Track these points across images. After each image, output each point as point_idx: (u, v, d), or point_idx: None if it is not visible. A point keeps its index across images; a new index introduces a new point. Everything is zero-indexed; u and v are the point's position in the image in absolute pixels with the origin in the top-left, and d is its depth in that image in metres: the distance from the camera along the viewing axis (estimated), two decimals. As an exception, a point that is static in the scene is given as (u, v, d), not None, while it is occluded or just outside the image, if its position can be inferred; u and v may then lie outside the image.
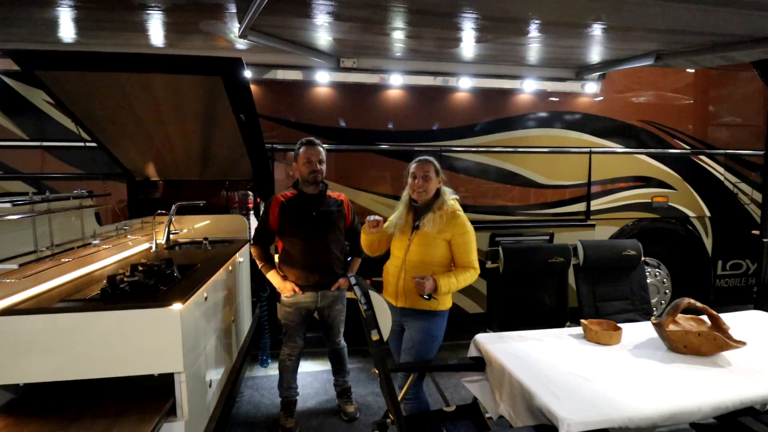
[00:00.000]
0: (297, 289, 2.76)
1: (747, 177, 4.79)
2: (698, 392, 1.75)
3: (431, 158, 2.50)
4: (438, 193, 2.48)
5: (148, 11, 2.71)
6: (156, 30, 3.11)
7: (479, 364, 2.19)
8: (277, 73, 3.87)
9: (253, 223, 3.78)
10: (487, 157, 4.25)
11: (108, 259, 2.71)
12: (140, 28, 3.05)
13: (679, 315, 2.23)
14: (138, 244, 3.17)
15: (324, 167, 2.77)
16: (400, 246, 2.50)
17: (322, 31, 3.06)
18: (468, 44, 3.40)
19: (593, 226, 4.47)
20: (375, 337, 1.75)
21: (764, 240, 3.87)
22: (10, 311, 1.80)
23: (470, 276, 2.42)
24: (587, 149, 4.41)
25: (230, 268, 2.99)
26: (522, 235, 4.30)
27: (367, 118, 4.08)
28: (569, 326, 2.73)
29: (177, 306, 1.88)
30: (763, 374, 1.90)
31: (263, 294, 3.69)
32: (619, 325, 2.32)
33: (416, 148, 4.08)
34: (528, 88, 4.25)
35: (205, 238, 3.57)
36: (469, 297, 4.22)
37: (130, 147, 3.49)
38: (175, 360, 1.89)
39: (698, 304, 2.17)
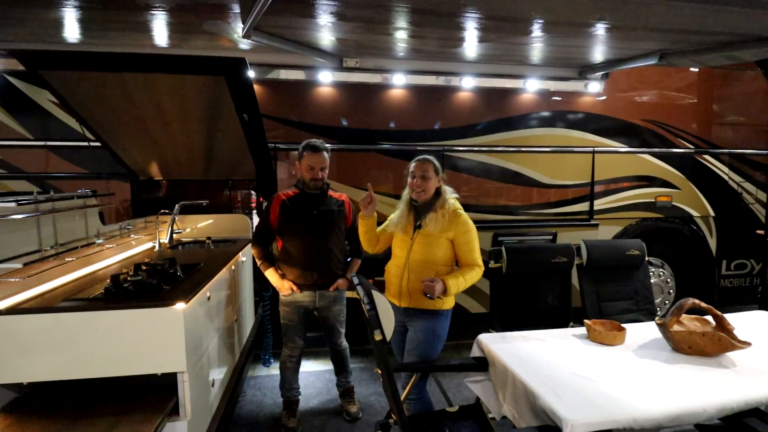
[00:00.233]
0: (295, 287, 2.75)
1: (751, 176, 4.77)
2: (703, 393, 1.74)
3: (431, 157, 2.49)
4: (439, 193, 2.47)
5: (152, 11, 2.72)
6: (160, 30, 3.12)
7: (482, 365, 2.18)
8: (280, 72, 3.88)
9: (256, 222, 3.78)
10: (490, 156, 4.25)
11: (111, 258, 2.72)
12: (144, 28, 3.06)
13: (684, 315, 2.22)
14: (141, 243, 3.18)
15: (326, 172, 2.77)
16: (403, 246, 2.49)
17: (326, 30, 3.06)
18: (471, 44, 3.40)
19: (597, 225, 4.45)
20: (378, 337, 1.74)
21: (769, 240, 3.84)
22: (15, 310, 1.81)
23: (476, 274, 2.42)
24: (590, 149, 4.39)
25: (233, 267, 3.00)
26: (525, 234, 4.29)
27: (370, 118, 4.08)
28: (572, 326, 2.72)
29: (180, 305, 1.89)
30: (769, 375, 1.89)
31: (266, 293, 3.69)
32: (622, 325, 2.31)
33: (419, 148, 4.07)
34: (531, 87, 4.24)
35: (208, 238, 3.57)
36: (471, 297, 4.22)
37: (133, 147, 3.50)
38: (178, 359, 1.89)
39: (703, 304, 2.16)
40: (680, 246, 4.68)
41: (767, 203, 3.97)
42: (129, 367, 1.88)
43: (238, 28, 2.98)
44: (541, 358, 2.05)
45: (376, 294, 1.81)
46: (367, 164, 4.09)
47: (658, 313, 3.16)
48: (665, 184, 4.57)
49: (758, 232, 4.38)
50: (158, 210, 3.35)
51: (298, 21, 2.84)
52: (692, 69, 4.56)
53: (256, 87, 3.36)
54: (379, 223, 2.63)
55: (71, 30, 3.11)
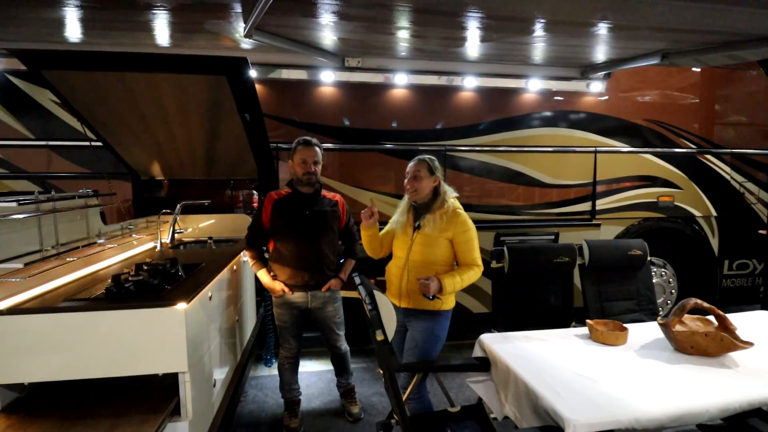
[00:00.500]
0: (286, 289, 2.72)
1: (753, 176, 4.75)
2: (705, 393, 1.73)
3: (427, 157, 2.48)
4: (437, 192, 2.46)
5: (154, 11, 2.72)
6: (161, 29, 3.12)
7: (484, 365, 2.18)
8: (281, 72, 3.87)
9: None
10: (492, 156, 4.24)
11: (113, 258, 2.72)
12: (146, 27, 3.06)
13: (686, 315, 2.21)
14: (143, 243, 3.18)
15: (319, 168, 2.73)
16: (403, 246, 2.49)
17: (327, 30, 3.06)
18: (473, 43, 3.39)
19: (599, 225, 4.44)
20: (380, 337, 1.74)
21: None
22: (16, 310, 1.80)
23: (474, 274, 2.41)
24: (592, 149, 4.39)
25: (234, 267, 2.99)
26: (527, 234, 4.29)
27: (372, 118, 4.07)
28: (574, 326, 2.72)
29: (181, 305, 1.88)
30: (772, 376, 1.88)
31: (267, 293, 3.69)
32: (625, 325, 2.30)
33: (421, 148, 4.07)
34: (533, 87, 4.23)
35: (210, 238, 3.57)
36: (473, 297, 4.21)
37: (135, 146, 3.50)
38: (179, 360, 1.89)
39: (705, 304, 2.15)
40: (682, 246, 4.67)
41: (770, 203, 3.97)
42: (130, 368, 1.87)
43: (240, 27, 2.98)
44: (543, 358, 2.05)
45: (377, 294, 1.81)
46: (369, 164, 4.09)
47: (660, 313, 3.15)
48: (667, 183, 4.56)
49: (760, 231, 4.37)
50: (160, 210, 3.35)
51: (299, 20, 2.84)
52: (694, 69, 4.55)
53: (257, 87, 3.36)
54: (383, 223, 2.63)
55: (73, 29, 3.11)
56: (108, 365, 1.85)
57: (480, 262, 2.44)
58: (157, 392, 1.97)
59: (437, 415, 2.23)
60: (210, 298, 2.33)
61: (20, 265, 1.89)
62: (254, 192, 4.09)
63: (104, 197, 3.00)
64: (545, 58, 3.85)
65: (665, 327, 2.14)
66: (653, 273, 4.48)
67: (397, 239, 2.55)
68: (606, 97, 4.41)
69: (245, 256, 3.27)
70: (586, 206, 4.43)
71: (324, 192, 2.81)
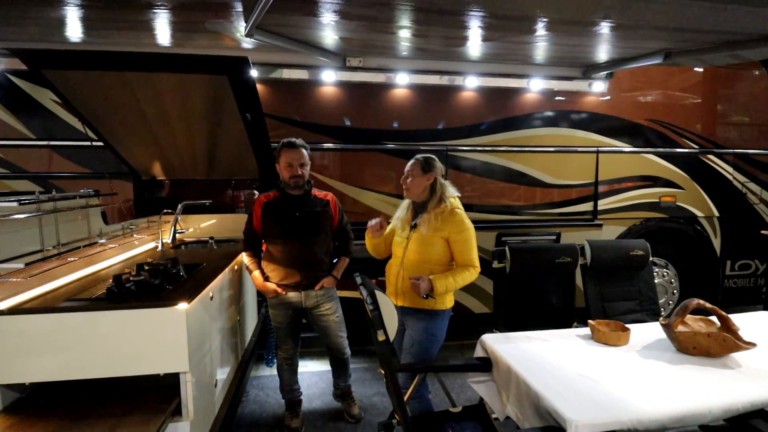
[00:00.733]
0: (279, 289, 2.69)
1: (756, 176, 4.74)
2: (708, 394, 1.73)
3: (422, 156, 2.48)
4: (434, 191, 2.46)
5: (155, 10, 2.71)
6: (162, 29, 3.12)
7: (486, 365, 2.17)
8: (283, 72, 3.87)
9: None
10: (494, 156, 4.23)
11: (114, 258, 2.72)
12: (147, 27, 3.05)
13: (688, 316, 2.21)
14: (144, 243, 3.18)
15: (307, 170, 2.67)
16: (400, 245, 2.51)
17: (329, 29, 3.05)
18: (474, 43, 3.38)
19: (600, 225, 4.43)
20: (381, 337, 1.74)
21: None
22: (17, 310, 1.80)
23: (469, 275, 2.40)
24: (594, 149, 4.38)
25: (236, 267, 2.99)
26: (528, 234, 4.28)
27: (373, 118, 4.07)
28: (576, 327, 2.71)
29: (183, 305, 1.88)
30: (775, 377, 1.88)
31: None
32: (627, 325, 2.30)
33: (422, 148, 4.06)
34: (534, 87, 4.22)
35: (211, 238, 3.57)
36: (475, 297, 4.20)
37: (136, 146, 3.50)
38: (180, 360, 1.89)
39: (707, 304, 2.14)
40: (684, 246, 4.66)
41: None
42: (131, 368, 1.87)
43: (241, 26, 2.98)
44: (545, 358, 2.04)
45: (379, 294, 1.81)
46: (370, 164, 4.08)
47: (662, 313, 3.15)
48: (669, 184, 4.55)
49: (763, 232, 4.35)
50: (161, 210, 3.35)
51: (301, 19, 2.83)
52: (696, 69, 4.53)
53: (258, 86, 3.35)
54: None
55: (73, 29, 3.11)
56: (109, 365, 1.85)
57: (476, 263, 2.43)
58: (159, 392, 1.97)
59: (439, 415, 2.23)
60: (211, 298, 2.33)
61: (21, 265, 1.89)
62: (255, 192, 4.08)
63: (105, 197, 3.00)
64: (547, 57, 3.84)
65: (667, 327, 2.13)
66: (655, 273, 4.48)
67: (395, 238, 2.56)
68: (608, 97, 4.40)
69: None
70: (588, 206, 4.42)
71: (315, 191, 2.76)
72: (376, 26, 3.00)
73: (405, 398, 2.20)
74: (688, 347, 2.07)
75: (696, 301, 2.14)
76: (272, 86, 3.89)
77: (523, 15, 2.72)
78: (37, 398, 1.94)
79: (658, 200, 4.53)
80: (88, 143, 3.39)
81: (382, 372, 2.07)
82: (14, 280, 1.88)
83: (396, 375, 1.87)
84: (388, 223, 2.64)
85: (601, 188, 4.41)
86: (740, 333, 2.08)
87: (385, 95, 4.06)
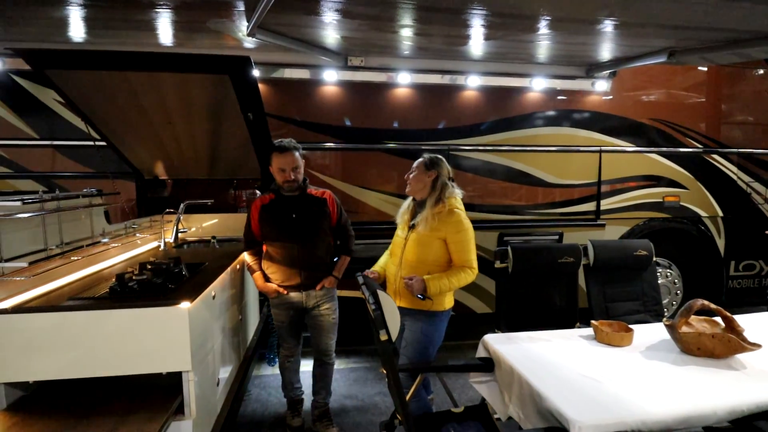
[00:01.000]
0: (280, 289, 2.67)
1: (761, 176, 4.71)
2: (713, 395, 1.72)
3: (428, 155, 2.51)
4: (434, 189, 2.45)
5: (157, 9, 2.72)
6: (165, 29, 3.12)
7: (488, 365, 2.16)
8: (284, 71, 3.87)
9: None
10: (496, 156, 4.22)
11: (117, 257, 2.73)
12: (149, 26, 3.06)
13: (692, 317, 2.19)
14: (146, 242, 3.19)
15: (300, 172, 2.62)
16: (399, 245, 2.51)
17: (330, 28, 3.05)
18: (477, 42, 3.38)
19: (603, 225, 4.42)
20: (383, 337, 1.73)
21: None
22: (21, 309, 1.81)
23: (465, 276, 2.38)
24: (597, 148, 4.36)
25: (238, 266, 3.00)
26: (531, 234, 4.27)
27: (375, 117, 4.06)
28: (579, 327, 2.70)
29: (185, 304, 1.88)
30: (780, 378, 1.86)
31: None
32: (630, 326, 2.29)
33: (424, 147, 4.05)
34: (537, 86, 4.21)
35: (213, 237, 3.57)
36: (477, 297, 4.19)
37: (139, 146, 3.50)
38: (183, 358, 1.89)
39: (712, 305, 2.13)
40: (688, 246, 4.64)
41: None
42: (134, 366, 1.88)
43: (243, 26, 2.98)
44: (548, 358, 2.03)
45: (381, 294, 1.80)
46: (372, 164, 4.08)
47: (666, 314, 3.13)
48: (673, 183, 4.53)
49: (767, 232, 4.33)
50: (163, 209, 3.35)
51: (302, 19, 2.83)
52: (700, 67, 4.51)
53: (260, 86, 3.35)
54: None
55: (76, 29, 3.12)
56: (112, 364, 1.85)
57: (474, 264, 2.41)
58: (161, 391, 1.97)
59: (440, 415, 2.22)
60: (213, 297, 2.33)
61: (25, 264, 1.90)
62: (257, 191, 4.09)
63: (108, 196, 3.00)
64: (550, 56, 3.82)
65: (671, 328, 2.12)
66: (659, 274, 4.45)
67: (395, 237, 2.58)
68: (611, 96, 4.38)
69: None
70: (590, 206, 4.40)
71: (311, 189, 2.70)
72: (377, 25, 3.00)
73: (407, 398, 2.19)
74: (693, 348, 2.05)
75: (700, 302, 2.12)
76: (274, 86, 3.89)
77: (525, 13, 2.71)
78: (40, 396, 1.94)
79: (661, 200, 4.51)
80: (91, 143, 3.40)
81: (384, 372, 2.06)
82: (18, 279, 1.88)
83: (398, 375, 1.87)
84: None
85: (604, 188, 4.40)
86: (745, 334, 2.06)
87: (386, 95, 4.05)
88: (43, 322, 1.79)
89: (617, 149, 4.40)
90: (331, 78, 3.90)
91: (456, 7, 2.59)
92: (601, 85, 4.30)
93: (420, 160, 2.51)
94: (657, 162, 4.48)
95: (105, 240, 2.64)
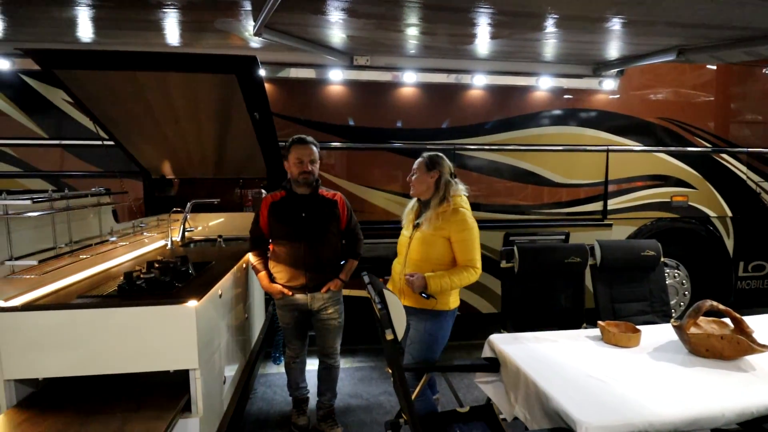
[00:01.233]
0: (285, 290, 2.63)
1: (770, 176, 4.66)
2: (721, 397, 1.70)
3: (428, 154, 2.50)
4: (437, 188, 2.45)
5: (165, 9, 2.73)
6: (172, 28, 3.14)
7: (493, 365, 2.16)
8: (290, 71, 3.88)
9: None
10: (502, 155, 4.21)
11: (125, 256, 2.75)
12: (156, 26, 3.08)
13: (701, 318, 2.17)
14: (154, 241, 3.21)
15: (316, 167, 2.60)
16: (404, 244, 2.51)
17: (336, 28, 3.05)
18: (483, 40, 3.37)
19: (610, 225, 4.39)
20: (389, 336, 1.73)
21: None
22: (30, 307, 1.83)
23: (468, 275, 2.37)
24: (604, 147, 4.33)
25: (244, 265, 3.01)
26: (537, 234, 4.25)
27: (381, 116, 4.06)
28: (585, 328, 2.69)
29: (192, 303, 1.89)
30: (790, 380, 1.84)
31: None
32: (637, 327, 2.27)
33: (429, 147, 4.04)
34: (543, 85, 4.19)
35: (220, 236, 3.59)
36: (482, 297, 4.18)
37: (146, 145, 3.53)
38: (190, 357, 1.90)
39: (721, 306, 2.11)
40: (696, 247, 4.59)
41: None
42: (142, 364, 1.89)
43: (250, 25, 2.99)
44: (554, 359, 2.03)
45: (387, 293, 1.80)
46: (377, 163, 4.08)
47: (674, 315, 3.11)
48: (681, 183, 4.49)
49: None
50: (170, 208, 3.38)
51: (309, 18, 2.84)
52: (709, 66, 4.46)
53: (266, 85, 3.37)
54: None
55: (84, 29, 3.14)
56: (120, 361, 1.87)
57: (477, 264, 2.40)
58: (168, 389, 1.99)
59: (446, 415, 2.22)
60: (220, 295, 2.34)
61: (35, 262, 1.92)
62: (263, 191, 4.10)
63: (116, 196, 3.03)
64: (557, 55, 3.80)
65: (679, 329, 2.10)
66: (666, 274, 4.41)
67: (400, 236, 2.57)
68: (618, 95, 4.35)
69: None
70: (597, 206, 4.37)
71: (322, 191, 2.68)
72: (383, 24, 3.00)
73: (413, 397, 2.19)
74: (701, 349, 2.03)
75: (709, 303, 2.10)
76: (280, 85, 3.90)
77: (532, 11, 2.70)
78: (49, 393, 1.96)
79: (669, 200, 4.47)
80: (100, 142, 3.43)
81: (389, 371, 2.06)
82: (28, 276, 1.90)
83: (404, 374, 1.87)
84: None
85: (611, 187, 4.37)
86: (754, 335, 2.04)
87: (392, 94, 4.05)
88: (53, 319, 1.81)
89: (625, 148, 4.37)
90: (336, 77, 3.90)
91: (462, 6, 2.59)
92: (609, 84, 4.27)
93: (420, 160, 2.48)
94: (665, 161, 4.45)
95: (113, 239, 2.66)
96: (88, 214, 2.52)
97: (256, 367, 3.21)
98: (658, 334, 2.30)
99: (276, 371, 3.69)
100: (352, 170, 4.03)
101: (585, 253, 2.86)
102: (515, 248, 2.81)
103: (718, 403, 1.66)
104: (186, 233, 3.45)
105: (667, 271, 4.51)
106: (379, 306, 1.77)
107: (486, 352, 2.26)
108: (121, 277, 2.12)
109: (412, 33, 3.20)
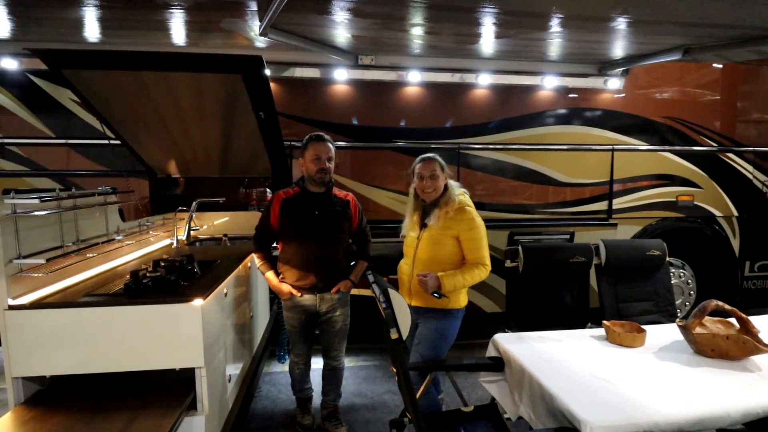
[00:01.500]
0: (294, 290, 2.59)
1: (777, 175, 4.63)
2: (727, 397, 1.69)
3: (435, 155, 2.48)
4: (445, 189, 2.46)
5: (171, 10, 2.75)
6: (178, 29, 3.16)
7: (498, 364, 2.16)
8: (295, 70, 3.89)
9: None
10: (506, 154, 4.20)
11: (131, 254, 2.77)
12: (162, 26, 3.09)
13: (706, 318, 2.17)
14: (159, 240, 3.23)
15: (332, 165, 2.58)
16: (411, 244, 2.51)
17: (341, 28, 3.06)
18: (488, 40, 3.36)
19: (615, 225, 4.37)
20: (394, 335, 1.74)
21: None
22: (38, 305, 1.85)
23: (479, 273, 2.38)
24: (609, 146, 4.32)
25: (248, 264, 3.02)
26: (541, 234, 4.24)
27: (385, 116, 4.07)
28: (590, 327, 2.68)
29: (198, 301, 1.91)
30: (796, 380, 1.83)
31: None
32: (642, 327, 2.27)
33: (434, 146, 4.05)
34: (548, 84, 4.17)
35: (225, 235, 3.61)
36: (487, 296, 4.18)
37: (152, 145, 3.55)
38: (196, 355, 1.92)
39: (726, 306, 2.10)
40: (702, 246, 4.57)
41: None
42: (148, 362, 1.91)
43: (255, 25, 3.00)
44: (559, 358, 2.02)
45: (392, 292, 1.81)
46: (381, 162, 4.08)
47: (679, 315, 3.09)
48: (687, 182, 4.47)
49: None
50: (176, 207, 3.40)
51: (314, 18, 2.84)
52: (715, 65, 4.44)
53: (271, 85, 3.38)
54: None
55: (91, 29, 3.17)
56: (127, 359, 1.88)
57: (487, 261, 2.41)
58: (174, 387, 2.00)
59: (450, 414, 2.22)
60: (225, 294, 2.36)
61: (43, 261, 1.93)
62: (268, 190, 4.12)
63: (122, 195, 3.04)
64: (562, 54, 3.79)
65: (685, 329, 2.09)
66: (672, 274, 4.39)
67: (406, 238, 2.57)
68: (624, 94, 4.33)
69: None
70: (602, 205, 4.36)
71: (335, 191, 2.67)
72: (388, 24, 3.00)
73: (417, 395, 2.20)
74: (706, 349, 2.03)
75: (714, 303, 2.10)
76: (285, 85, 3.91)
77: (537, 11, 2.69)
78: (56, 391, 1.98)
79: (675, 199, 4.45)
80: (106, 142, 3.45)
81: (394, 370, 2.07)
82: (36, 275, 1.92)
83: (408, 373, 1.87)
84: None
85: (616, 187, 4.35)
86: (760, 335, 2.03)
87: (397, 93, 4.05)
88: (60, 317, 1.82)
89: (630, 148, 4.35)
90: (341, 77, 3.91)
91: (467, 6, 2.58)
92: (614, 83, 4.25)
93: (434, 163, 2.44)
94: (670, 161, 4.43)
95: (119, 237, 2.67)
96: (94, 213, 2.54)
97: (260, 366, 3.22)
98: (664, 334, 2.30)
99: (280, 370, 3.70)
100: (356, 169, 4.04)
101: (590, 253, 2.85)
102: (520, 248, 2.80)
103: (724, 403, 1.65)
104: (191, 232, 3.47)
105: (673, 270, 4.49)
106: (383, 305, 1.77)
107: (490, 352, 2.27)
108: (128, 276, 2.14)
109: (417, 33, 3.20)
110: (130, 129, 3.36)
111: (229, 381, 2.42)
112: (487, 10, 2.65)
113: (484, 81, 4.09)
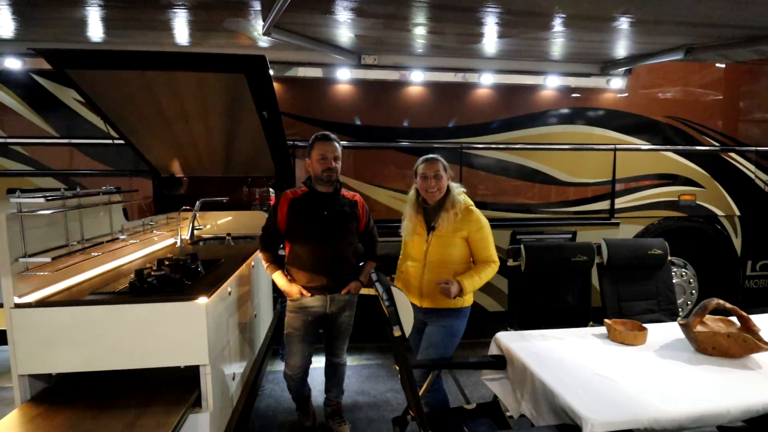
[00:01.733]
0: (304, 291, 2.53)
1: (779, 175, 4.63)
2: (727, 395, 1.70)
3: (437, 156, 2.48)
4: (449, 190, 2.46)
5: (174, 9, 2.76)
6: (181, 28, 3.17)
7: (500, 363, 2.17)
8: (298, 70, 3.90)
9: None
10: (509, 154, 4.21)
11: (135, 253, 2.78)
12: (166, 26, 3.11)
13: (707, 316, 2.17)
14: (163, 239, 3.25)
15: (339, 164, 2.54)
16: (419, 248, 2.47)
17: (344, 27, 3.07)
18: (490, 40, 3.37)
19: (617, 224, 4.38)
20: (397, 333, 1.75)
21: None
22: (44, 303, 1.87)
23: (491, 270, 2.42)
24: (612, 146, 4.32)
25: (252, 263, 3.04)
26: (544, 233, 4.25)
27: (388, 115, 4.08)
28: (592, 326, 2.69)
29: (202, 300, 1.92)
30: (797, 378, 1.84)
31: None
32: (644, 325, 2.27)
33: (436, 145, 4.06)
34: (551, 84, 4.18)
35: (228, 234, 3.62)
36: (489, 295, 4.19)
37: (156, 144, 3.57)
38: (200, 352, 1.93)
39: (727, 305, 2.11)
40: (704, 246, 4.57)
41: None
42: (153, 360, 1.92)
43: (259, 25, 3.01)
44: (561, 357, 2.03)
45: (395, 290, 1.82)
46: (384, 162, 4.09)
47: (680, 314, 3.10)
48: (689, 182, 4.47)
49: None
50: (180, 206, 3.41)
51: (317, 18, 2.86)
52: (718, 65, 4.44)
53: (275, 85, 3.39)
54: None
55: (95, 29, 3.18)
56: (132, 357, 1.90)
57: (496, 258, 2.46)
58: (179, 384, 2.02)
59: (453, 411, 2.24)
60: (229, 293, 2.37)
61: (48, 260, 1.95)
62: (271, 189, 4.13)
63: (126, 194, 3.06)
64: (564, 54, 3.80)
65: (686, 327, 2.10)
66: (673, 273, 4.40)
67: (412, 241, 2.52)
68: (626, 94, 4.34)
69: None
70: (604, 204, 4.36)
71: (343, 191, 2.63)
72: (391, 24, 3.01)
73: (420, 393, 2.21)
74: (707, 347, 2.04)
75: (716, 301, 2.10)
76: (288, 84, 3.93)
77: (540, 11, 2.70)
78: (62, 388, 2.00)
79: (677, 199, 4.45)
80: (110, 141, 3.47)
81: (397, 368, 2.08)
82: (41, 273, 1.94)
83: (411, 371, 1.88)
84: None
85: (619, 186, 4.36)
86: (761, 334, 2.04)
87: (399, 93, 4.06)
88: (66, 316, 1.84)
89: (632, 147, 4.36)
90: (344, 76, 3.92)
91: (470, 5, 2.59)
92: (617, 83, 4.25)
93: (438, 163, 2.43)
94: (673, 160, 4.43)
95: (123, 236, 2.69)
96: (99, 212, 2.55)
97: (264, 364, 3.23)
98: (665, 333, 2.30)
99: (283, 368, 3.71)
100: (359, 169, 4.05)
101: (592, 252, 2.86)
102: (522, 247, 2.81)
103: (724, 401, 1.66)
104: (195, 231, 3.48)
105: (675, 270, 4.50)
106: (387, 303, 1.78)
107: (492, 350, 2.28)
108: (132, 275, 2.16)
109: (419, 32, 3.21)
110: (134, 129, 3.38)
111: (234, 379, 2.43)
112: (489, 9, 2.66)
113: (486, 81, 4.09)
